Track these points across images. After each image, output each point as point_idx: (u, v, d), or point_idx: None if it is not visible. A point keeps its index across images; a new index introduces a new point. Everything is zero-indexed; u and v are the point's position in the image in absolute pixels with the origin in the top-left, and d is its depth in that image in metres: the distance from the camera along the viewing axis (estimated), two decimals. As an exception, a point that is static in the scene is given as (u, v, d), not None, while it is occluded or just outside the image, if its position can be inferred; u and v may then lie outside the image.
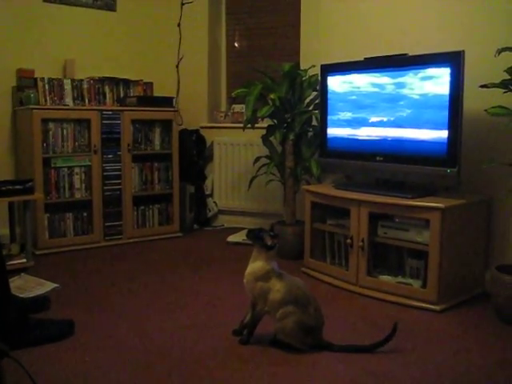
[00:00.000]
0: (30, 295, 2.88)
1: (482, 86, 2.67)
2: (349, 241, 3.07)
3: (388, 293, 2.91)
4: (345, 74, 3.29)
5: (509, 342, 2.37)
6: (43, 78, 4.00)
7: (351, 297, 2.99)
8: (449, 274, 2.77)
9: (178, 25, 4.29)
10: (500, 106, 2.59)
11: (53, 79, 4.04)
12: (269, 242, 2.27)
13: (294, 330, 2.22)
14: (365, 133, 3.20)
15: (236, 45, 4.86)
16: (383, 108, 3.09)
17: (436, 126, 2.83)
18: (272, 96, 3.65)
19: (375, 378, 2.03)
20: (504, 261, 2.95)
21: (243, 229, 4.46)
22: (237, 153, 4.61)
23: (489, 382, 2.02)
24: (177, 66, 4.37)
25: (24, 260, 3.38)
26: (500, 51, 2.55)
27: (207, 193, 4.78)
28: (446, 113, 2.77)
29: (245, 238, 4.02)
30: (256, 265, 2.30)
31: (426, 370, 2.10)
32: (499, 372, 2.09)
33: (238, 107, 4.70)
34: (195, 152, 4.69)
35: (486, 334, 2.47)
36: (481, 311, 2.75)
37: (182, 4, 4.30)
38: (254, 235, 2.32)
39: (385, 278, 2.99)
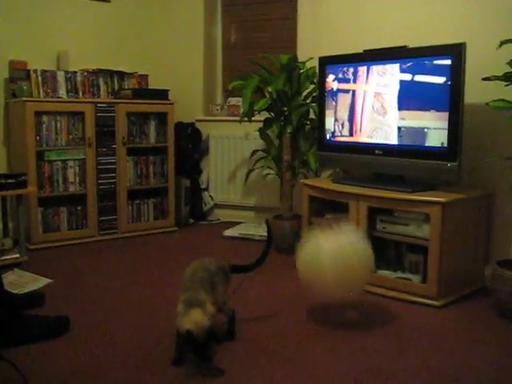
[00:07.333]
0: (24, 291, 2.85)
1: (484, 79, 2.63)
2: (347, 235, 3.03)
3: (387, 288, 2.88)
4: (344, 67, 3.24)
5: (509, 340, 2.34)
6: (36, 70, 3.91)
7: (350, 292, 2.96)
8: (449, 269, 2.74)
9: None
10: (502, 100, 2.55)
11: (46, 71, 3.95)
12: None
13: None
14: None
15: (232, 39, 4.79)
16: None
17: (436, 119, 2.79)
18: (269, 89, 3.61)
19: (375, 376, 2.00)
20: (505, 256, 2.93)
21: (239, 223, 4.44)
22: (233, 146, 4.56)
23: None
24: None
25: (17, 255, 3.33)
26: (502, 43, 2.51)
27: (203, 186, 4.73)
28: (446, 105, 2.73)
29: (241, 232, 4.07)
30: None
31: (425, 367, 2.07)
32: (491, 373, 2.05)
33: (234, 100, 4.65)
34: (191, 145, 4.64)
35: (486, 330, 2.44)
36: (481, 306, 2.73)
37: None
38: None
39: (384, 272, 2.96)
